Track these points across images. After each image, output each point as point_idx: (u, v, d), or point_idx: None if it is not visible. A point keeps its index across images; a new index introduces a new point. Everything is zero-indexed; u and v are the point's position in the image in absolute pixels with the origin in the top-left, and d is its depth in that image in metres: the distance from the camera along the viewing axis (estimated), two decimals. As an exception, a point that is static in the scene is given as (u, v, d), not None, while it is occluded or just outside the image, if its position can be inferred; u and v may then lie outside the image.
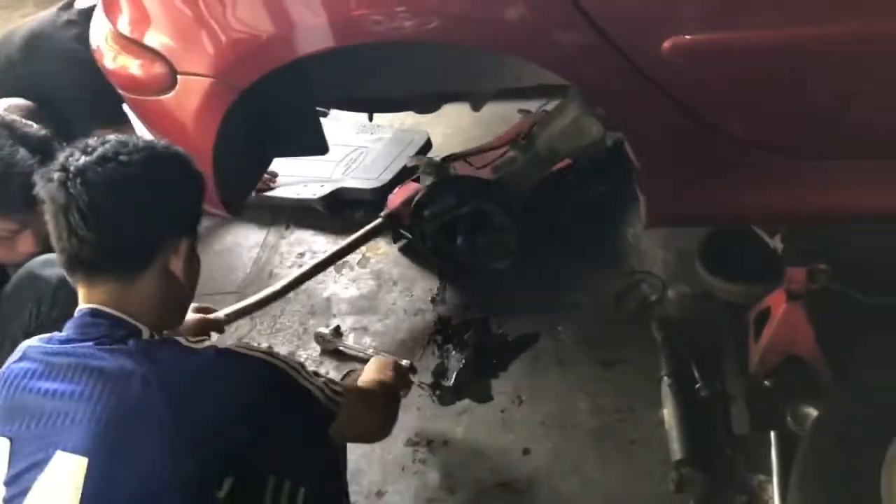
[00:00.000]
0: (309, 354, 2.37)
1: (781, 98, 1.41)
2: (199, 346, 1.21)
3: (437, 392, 2.15)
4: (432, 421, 2.08)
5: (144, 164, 1.19)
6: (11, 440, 1.13)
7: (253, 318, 2.54)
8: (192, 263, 1.29)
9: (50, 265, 1.73)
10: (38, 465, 1.09)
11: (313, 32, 1.44)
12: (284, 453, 1.25)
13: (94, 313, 1.20)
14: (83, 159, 1.17)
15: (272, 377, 1.23)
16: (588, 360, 2.15)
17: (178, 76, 1.55)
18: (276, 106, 1.79)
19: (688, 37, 1.34)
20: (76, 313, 1.22)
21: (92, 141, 1.21)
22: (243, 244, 2.88)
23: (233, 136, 1.70)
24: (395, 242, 2.62)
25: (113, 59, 1.66)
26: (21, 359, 1.21)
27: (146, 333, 1.21)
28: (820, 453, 1.56)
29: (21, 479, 1.10)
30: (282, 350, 2.39)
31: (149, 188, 1.20)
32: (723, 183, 1.55)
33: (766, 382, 1.92)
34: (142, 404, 1.12)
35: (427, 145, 3.03)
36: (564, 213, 2.58)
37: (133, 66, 1.62)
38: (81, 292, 1.22)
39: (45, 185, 1.18)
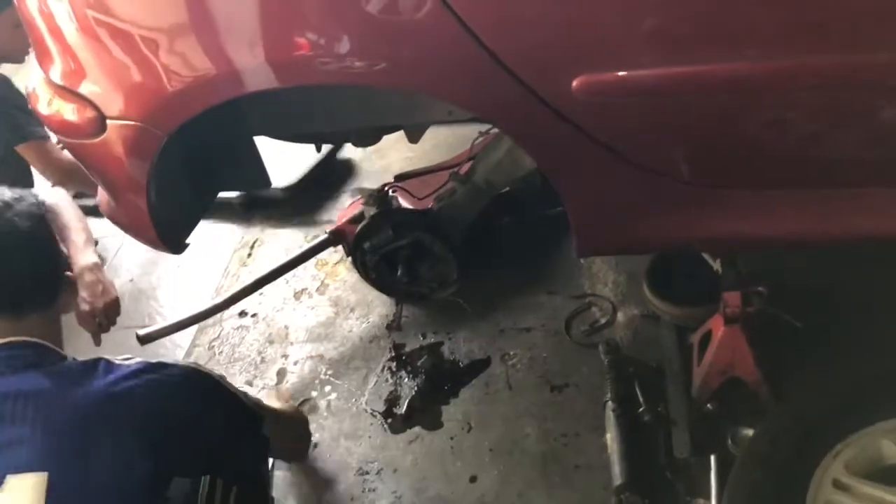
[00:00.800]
0: (266, 383, 2.39)
1: (690, 132, 1.42)
2: (129, 362, 1.32)
3: (389, 420, 2.16)
4: (382, 449, 2.09)
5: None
6: None
7: (212, 346, 2.57)
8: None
9: None
10: None
11: (229, 79, 1.46)
12: (221, 453, 1.34)
13: (15, 345, 1.27)
14: None
15: (207, 383, 1.39)
16: (538, 384, 2.16)
17: (107, 121, 1.58)
18: (211, 143, 1.81)
19: (596, 76, 1.35)
20: None
21: None
22: (205, 272, 2.90)
23: (168, 174, 1.72)
24: (347, 256, 2.65)
25: (47, 104, 1.69)
26: None
27: (69, 359, 1.31)
28: (748, 477, 1.57)
29: None
30: (239, 379, 2.41)
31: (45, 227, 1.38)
32: (644, 214, 1.56)
33: (707, 405, 1.92)
34: (94, 417, 1.20)
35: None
36: (516, 236, 2.60)
37: (65, 111, 1.64)
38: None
39: None
